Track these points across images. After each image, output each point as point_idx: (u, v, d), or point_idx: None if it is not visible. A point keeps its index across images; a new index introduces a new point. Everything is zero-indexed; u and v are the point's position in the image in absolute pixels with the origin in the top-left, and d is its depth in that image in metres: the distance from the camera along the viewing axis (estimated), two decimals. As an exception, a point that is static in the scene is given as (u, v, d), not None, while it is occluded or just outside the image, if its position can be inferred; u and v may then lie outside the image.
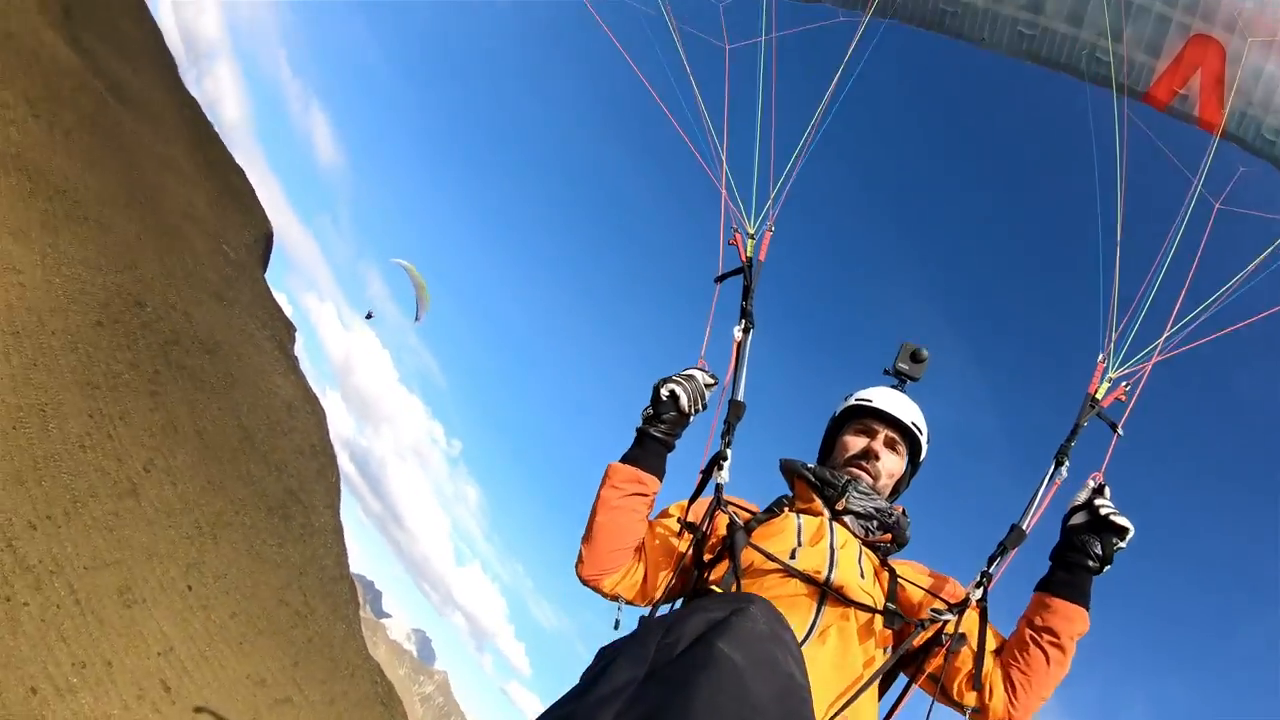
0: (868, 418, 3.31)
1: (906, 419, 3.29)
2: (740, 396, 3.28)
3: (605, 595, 2.99)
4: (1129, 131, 5.74)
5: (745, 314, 3.55)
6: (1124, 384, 3.88)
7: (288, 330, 26.76)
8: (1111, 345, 4.07)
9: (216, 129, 28.99)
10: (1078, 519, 2.94)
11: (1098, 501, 2.91)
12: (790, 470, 3.24)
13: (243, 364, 20.82)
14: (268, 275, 28.40)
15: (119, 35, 24.50)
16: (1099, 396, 3.78)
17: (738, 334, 3.48)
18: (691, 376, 3.14)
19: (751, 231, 3.89)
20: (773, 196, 4.05)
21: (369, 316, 50.23)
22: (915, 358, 3.73)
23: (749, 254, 3.83)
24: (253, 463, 19.20)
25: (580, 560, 2.98)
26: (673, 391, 3.04)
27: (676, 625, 1.77)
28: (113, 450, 13.85)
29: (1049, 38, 5.50)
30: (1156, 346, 4.15)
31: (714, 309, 3.72)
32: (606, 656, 1.78)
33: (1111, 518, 2.83)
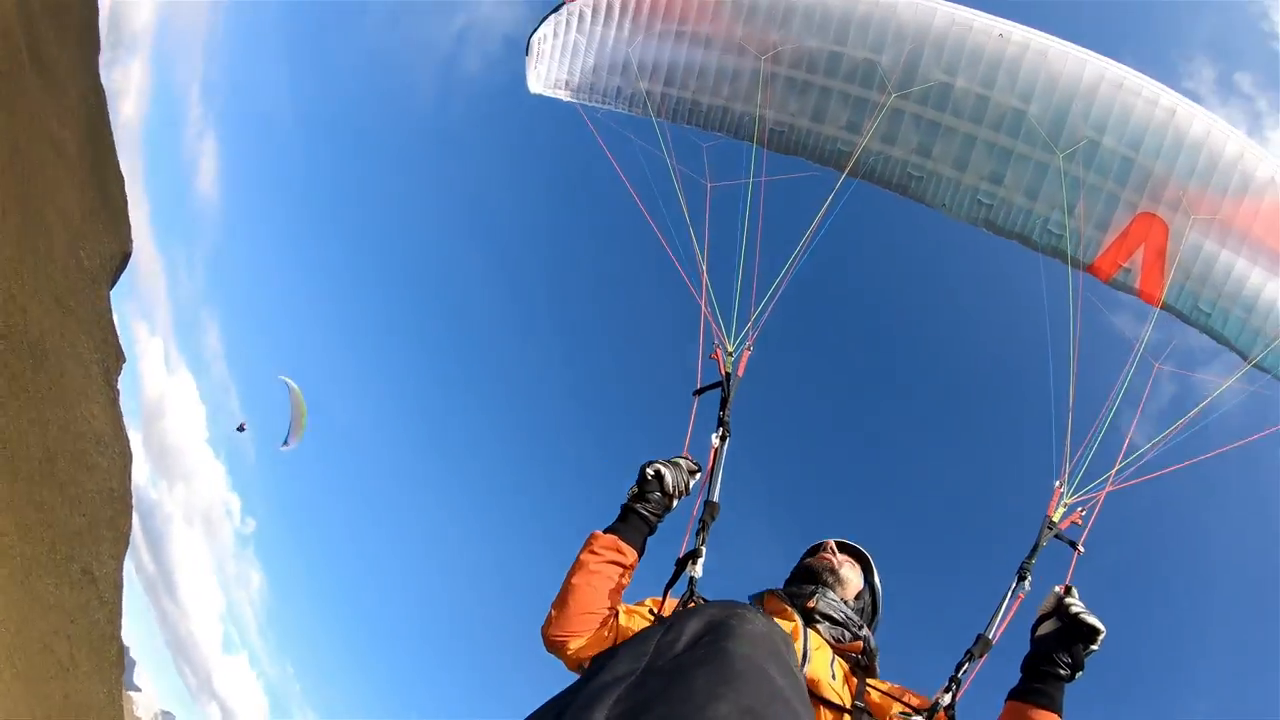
0: (821, 549, 3.67)
1: (853, 543, 3.69)
2: (715, 498, 3.57)
3: (569, 661, 2.97)
4: (1081, 295, 6.56)
5: (722, 423, 3.83)
6: (1080, 509, 4.55)
7: (117, 358, 25.28)
8: (1066, 474, 4.74)
9: (113, 127, 27.87)
10: (1046, 628, 3.01)
11: (1067, 600, 3.00)
12: (759, 594, 3.37)
13: (65, 381, 19.42)
14: (111, 291, 27.07)
15: (59, -1, 22.28)
16: (1056, 519, 4.39)
17: (715, 440, 3.77)
18: (676, 463, 3.36)
19: (730, 349, 4.44)
20: (753, 319, 4.64)
21: (240, 429, 46.55)
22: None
23: (727, 369, 4.19)
24: (48, 489, 17.59)
25: (549, 621, 2.99)
26: (658, 472, 3.26)
27: (676, 625, 1.81)
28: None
29: (1006, 208, 6.31)
30: (1108, 478, 4.94)
31: (693, 421, 4.24)
32: (603, 657, 1.84)
33: (1082, 616, 2.88)
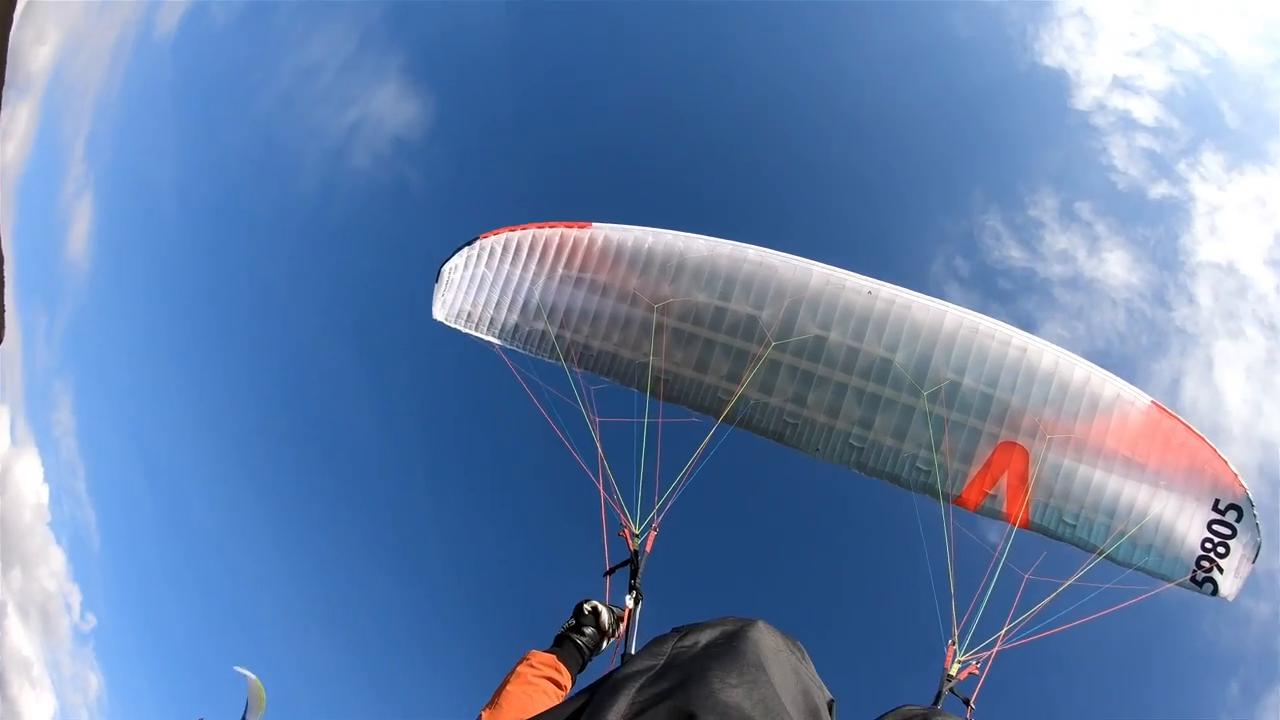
0: None
1: None
2: (633, 653, 3.80)
3: None
4: (953, 522, 7.08)
5: (634, 589, 4.19)
6: (973, 663, 5.25)
7: None
8: (957, 635, 5.37)
9: None
10: None
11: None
12: None
13: None
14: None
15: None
16: (953, 673, 4.95)
17: (629, 602, 4.07)
18: (609, 606, 3.61)
19: (637, 531, 4.81)
20: (657, 507, 5.02)
21: None
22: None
23: (635, 546, 4.72)
24: None
25: None
26: (595, 608, 3.49)
27: (691, 633, 1.85)
28: None
29: (876, 449, 6.85)
30: (998, 639, 5.51)
31: (608, 595, 4.54)
32: (626, 658, 1.88)
33: None
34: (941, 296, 7.19)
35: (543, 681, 3.15)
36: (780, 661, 1.80)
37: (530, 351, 6.68)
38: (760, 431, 6.71)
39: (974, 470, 7.38)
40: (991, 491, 7.44)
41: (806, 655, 1.96)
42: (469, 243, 6.91)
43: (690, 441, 6.16)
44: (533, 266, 6.64)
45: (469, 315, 6.79)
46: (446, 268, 6.92)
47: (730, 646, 1.73)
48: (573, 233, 6.48)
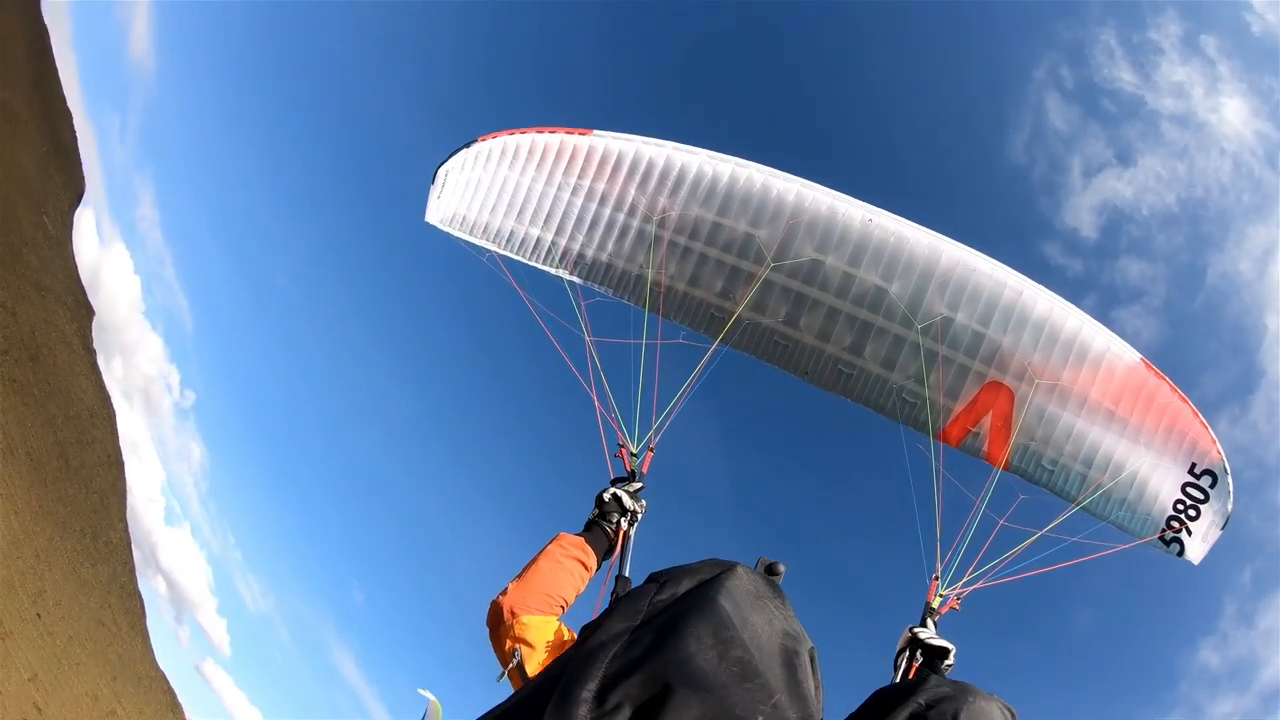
0: None
1: None
2: (626, 573, 3.91)
3: (506, 637, 2.99)
4: (942, 459, 7.17)
5: (629, 511, 4.21)
6: (954, 598, 5.42)
7: (88, 314, 26.82)
8: (939, 570, 5.66)
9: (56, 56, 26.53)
10: (902, 661, 3.62)
11: (922, 635, 3.63)
12: None
13: (57, 368, 21.77)
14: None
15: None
16: (935, 605, 5.15)
17: (623, 524, 4.06)
18: (628, 489, 3.95)
19: (634, 450, 4.91)
20: (655, 426, 5.07)
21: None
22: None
23: (632, 466, 4.78)
24: (67, 482, 20.69)
25: (504, 592, 3.07)
26: (615, 495, 3.80)
27: (670, 583, 1.86)
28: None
29: (864, 377, 6.86)
30: (979, 578, 5.74)
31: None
32: (600, 618, 1.85)
33: (932, 642, 3.53)
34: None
35: (570, 561, 3.32)
36: (759, 610, 1.77)
37: (524, 258, 6.61)
38: (750, 351, 6.71)
39: (959, 407, 7.43)
40: (974, 429, 7.51)
41: (787, 601, 1.92)
42: (466, 145, 6.76)
43: (686, 361, 6.16)
44: (531, 171, 6.51)
45: (463, 220, 6.69)
46: (442, 170, 6.79)
47: (707, 598, 1.70)
48: (573, 139, 6.34)
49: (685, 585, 1.81)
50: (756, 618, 1.73)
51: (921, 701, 2.34)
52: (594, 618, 3.67)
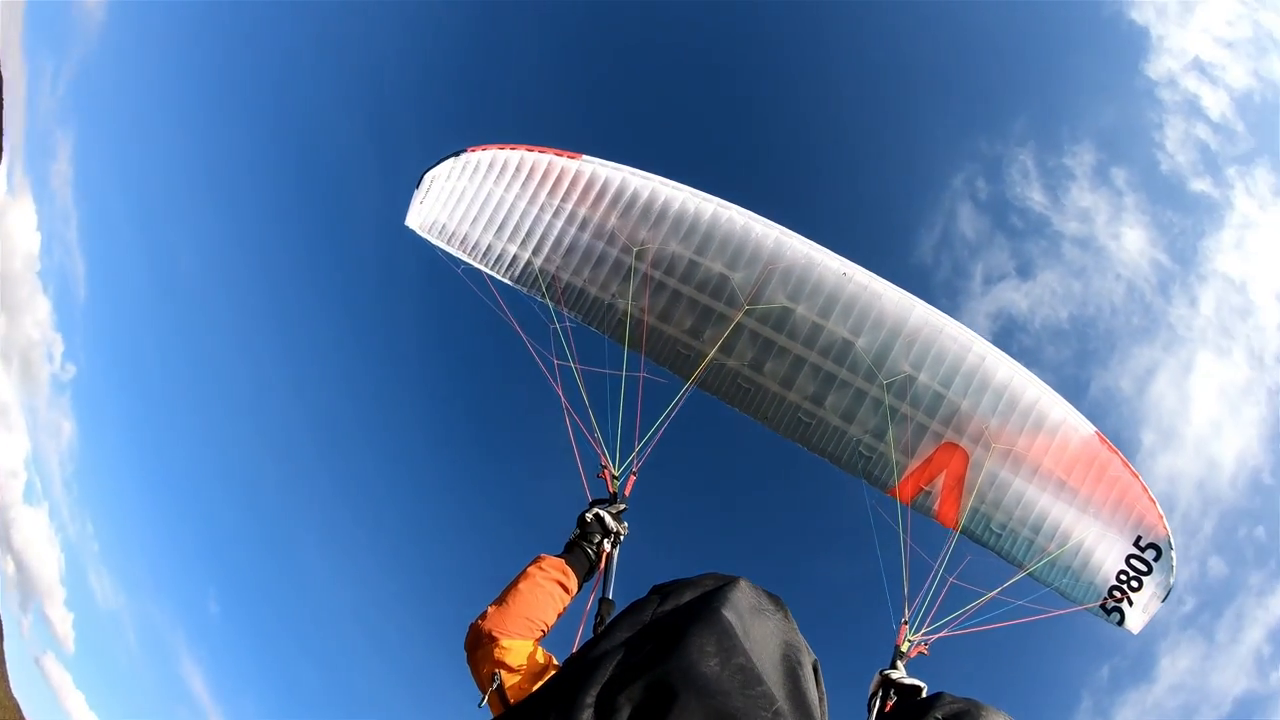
0: None
1: None
2: (610, 596, 3.93)
3: (490, 660, 2.98)
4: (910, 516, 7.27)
5: (612, 532, 4.20)
6: (923, 643, 5.61)
7: None
8: (908, 615, 5.87)
9: None
10: (875, 703, 3.67)
11: (893, 675, 3.70)
12: None
13: None
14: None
15: None
16: (904, 650, 5.34)
17: (606, 545, 4.10)
18: (610, 510, 3.93)
19: (616, 473, 4.90)
20: (636, 450, 5.07)
21: None
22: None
23: (614, 488, 4.80)
24: None
25: (484, 615, 3.05)
26: (597, 515, 3.79)
27: (672, 595, 1.87)
28: None
29: (823, 428, 6.94)
30: (945, 624, 5.87)
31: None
32: (606, 627, 1.85)
33: (905, 681, 3.62)
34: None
35: (550, 584, 3.30)
36: (761, 621, 1.79)
37: (500, 274, 6.60)
38: (714, 392, 6.76)
39: (914, 464, 7.55)
40: (927, 488, 7.62)
41: (790, 614, 1.93)
42: (456, 154, 6.76)
43: (668, 385, 6.22)
44: (516, 188, 6.52)
45: (443, 228, 6.67)
46: (429, 175, 6.77)
47: (710, 608, 1.71)
48: (561, 161, 6.37)
49: (688, 596, 1.83)
50: (759, 629, 1.75)
51: (939, 716, 2.45)
52: (575, 649, 3.72)
